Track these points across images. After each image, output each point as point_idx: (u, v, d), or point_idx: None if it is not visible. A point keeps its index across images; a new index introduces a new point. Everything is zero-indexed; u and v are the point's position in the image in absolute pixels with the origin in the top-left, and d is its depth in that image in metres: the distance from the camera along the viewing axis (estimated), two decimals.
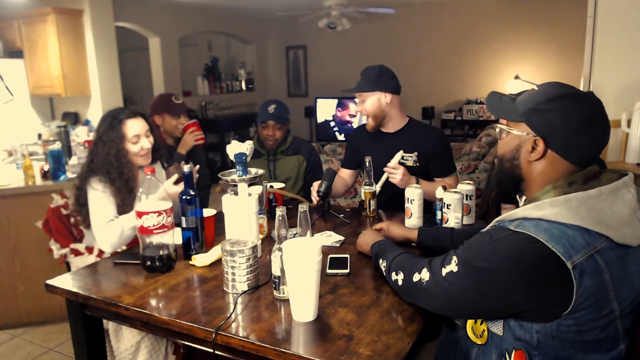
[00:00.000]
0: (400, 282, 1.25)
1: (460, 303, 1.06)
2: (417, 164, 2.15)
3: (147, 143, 1.92)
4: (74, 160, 3.22)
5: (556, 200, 0.98)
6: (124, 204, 1.84)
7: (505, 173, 1.14)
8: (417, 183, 2.08)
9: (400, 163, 2.09)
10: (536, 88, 1.10)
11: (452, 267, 1.06)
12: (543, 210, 0.98)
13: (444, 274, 1.08)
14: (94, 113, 4.81)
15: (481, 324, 1.12)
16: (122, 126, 1.87)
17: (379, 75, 2.20)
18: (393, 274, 1.28)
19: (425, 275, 1.13)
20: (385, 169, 2.07)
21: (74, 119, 4.84)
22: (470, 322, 1.15)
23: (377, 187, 2.11)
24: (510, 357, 1.04)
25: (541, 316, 0.96)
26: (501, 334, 1.05)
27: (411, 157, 2.12)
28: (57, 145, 3.53)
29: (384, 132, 2.29)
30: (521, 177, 1.11)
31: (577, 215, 0.95)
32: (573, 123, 1.00)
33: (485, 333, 1.11)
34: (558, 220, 0.96)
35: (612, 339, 0.98)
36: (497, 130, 1.18)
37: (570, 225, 0.95)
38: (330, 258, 1.60)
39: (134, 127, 1.89)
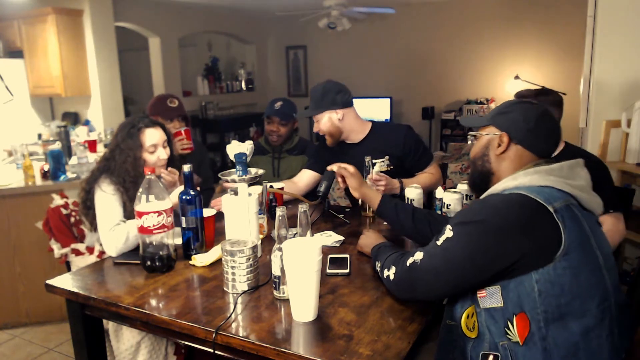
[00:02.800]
0: (392, 277, 1.27)
1: (459, 266, 1.10)
2: (391, 167, 2.11)
3: (163, 154, 1.90)
4: (74, 160, 3.22)
5: (528, 171, 1.17)
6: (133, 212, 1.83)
7: (478, 171, 1.30)
8: (401, 184, 2.08)
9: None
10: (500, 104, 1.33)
11: (447, 234, 1.15)
12: (518, 180, 1.15)
13: (439, 243, 1.16)
14: (94, 113, 4.81)
15: (472, 316, 1.16)
16: (140, 135, 1.85)
17: (324, 94, 2.17)
18: (385, 270, 1.31)
19: (418, 255, 1.19)
20: (369, 177, 2.03)
21: (74, 119, 4.84)
22: (464, 318, 1.18)
23: (360, 201, 2.01)
24: (512, 324, 1.07)
25: (537, 260, 1.04)
26: (502, 305, 1.09)
27: (383, 162, 2.07)
28: (57, 145, 3.54)
29: (349, 144, 2.27)
30: (491, 172, 1.27)
31: (548, 180, 1.13)
32: (531, 118, 1.21)
33: (477, 325, 1.16)
34: (533, 184, 1.13)
35: (602, 287, 1.08)
36: (469, 141, 1.37)
37: (544, 186, 1.12)
38: (330, 258, 1.60)
39: (152, 137, 1.87)
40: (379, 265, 1.38)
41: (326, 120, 2.19)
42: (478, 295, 1.15)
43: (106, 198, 1.80)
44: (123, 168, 1.83)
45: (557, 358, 1.03)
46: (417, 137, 2.28)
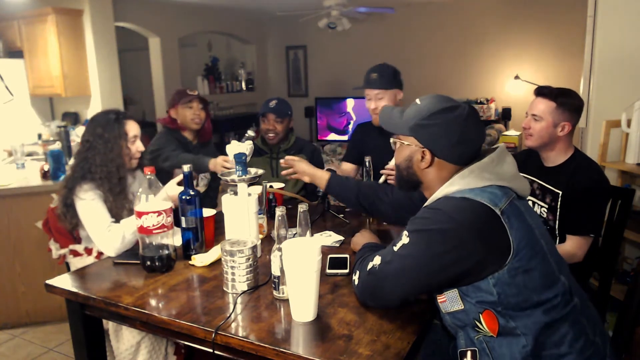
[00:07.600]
0: (356, 281, 1.29)
1: (413, 272, 1.12)
2: None
3: (141, 145, 1.96)
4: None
5: (462, 174, 1.15)
6: (116, 206, 1.83)
7: (404, 178, 1.30)
8: None
9: None
10: (419, 102, 1.23)
11: (404, 240, 1.15)
12: (456, 185, 1.14)
13: (396, 249, 1.16)
14: (94, 113, 4.81)
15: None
16: (124, 125, 1.90)
17: (396, 74, 2.30)
18: (353, 274, 1.32)
19: (377, 260, 1.20)
20: (382, 171, 2.04)
21: (74, 119, 4.83)
22: None
23: None
24: (480, 322, 1.11)
25: (490, 266, 1.07)
26: (462, 307, 1.13)
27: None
28: (57, 145, 3.53)
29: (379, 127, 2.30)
30: (419, 181, 1.27)
31: (484, 179, 1.13)
32: (453, 133, 1.17)
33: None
34: (471, 187, 1.12)
35: (551, 272, 1.12)
36: (392, 141, 1.33)
37: (483, 187, 1.12)
38: (330, 258, 1.60)
39: (133, 128, 1.93)
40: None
41: (392, 97, 2.30)
42: (439, 300, 1.19)
43: (88, 205, 1.80)
44: (108, 157, 1.84)
45: (531, 338, 1.08)
46: None
